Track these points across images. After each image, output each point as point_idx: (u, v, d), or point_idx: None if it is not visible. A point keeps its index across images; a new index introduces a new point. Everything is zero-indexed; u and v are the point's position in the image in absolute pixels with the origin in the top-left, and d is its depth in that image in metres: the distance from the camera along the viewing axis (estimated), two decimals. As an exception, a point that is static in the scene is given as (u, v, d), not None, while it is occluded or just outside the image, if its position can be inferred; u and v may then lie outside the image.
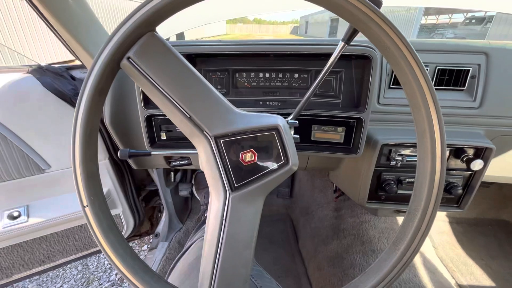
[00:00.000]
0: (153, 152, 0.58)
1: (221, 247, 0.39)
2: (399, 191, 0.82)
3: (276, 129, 0.41)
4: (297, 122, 0.54)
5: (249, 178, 0.40)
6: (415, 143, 0.78)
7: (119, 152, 0.56)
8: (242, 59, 0.76)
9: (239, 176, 0.40)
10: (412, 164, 0.79)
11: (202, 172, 0.71)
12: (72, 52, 0.81)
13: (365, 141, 0.73)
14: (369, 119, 0.71)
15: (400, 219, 1.15)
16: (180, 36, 1.46)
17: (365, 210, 1.18)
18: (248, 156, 0.40)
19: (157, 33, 0.37)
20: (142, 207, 1.30)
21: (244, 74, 0.78)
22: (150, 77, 0.37)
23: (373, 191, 0.83)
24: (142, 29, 0.35)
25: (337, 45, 0.50)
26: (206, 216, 1.33)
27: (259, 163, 0.40)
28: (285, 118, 0.54)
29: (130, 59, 0.36)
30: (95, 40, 0.81)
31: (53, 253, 1.08)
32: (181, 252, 0.65)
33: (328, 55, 0.69)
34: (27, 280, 1.51)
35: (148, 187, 1.36)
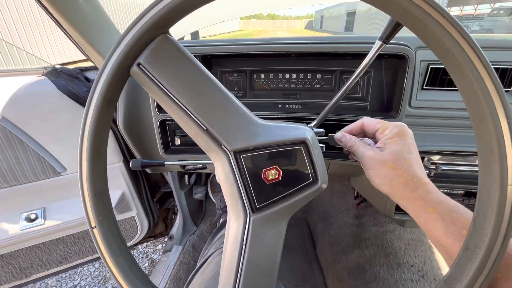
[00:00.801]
0: (166, 163, 0.55)
1: (240, 275, 0.35)
2: None
3: (303, 143, 0.36)
4: (323, 130, 0.49)
5: (273, 199, 0.36)
6: (452, 151, 0.70)
7: (131, 162, 0.53)
8: (261, 59, 0.71)
9: (261, 196, 0.35)
10: (447, 173, 0.72)
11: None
12: (84, 53, 0.79)
13: None
14: None
15: None
16: (195, 34, 1.43)
17: (389, 219, 1.11)
18: (272, 174, 0.36)
19: (170, 35, 0.33)
20: (156, 209, 1.28)
21: (262, 75, 0.73)
22: (163, 86, 0.33)
23: None
24: (154, 32, 0.31)
25: (370, 43, 0.44)
26: (221, 221, 1.29)
27: (284, 181, 0.36)
28: (307, 124, 0.49)
29: (140, 66, 0.32)
30: (108, 42, 0.78)
31: (70, 254, 1.09)
32: (197, 266, 0.62)
33: (356, 54, 0.63)
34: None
35: (162, 189, 1.34)
